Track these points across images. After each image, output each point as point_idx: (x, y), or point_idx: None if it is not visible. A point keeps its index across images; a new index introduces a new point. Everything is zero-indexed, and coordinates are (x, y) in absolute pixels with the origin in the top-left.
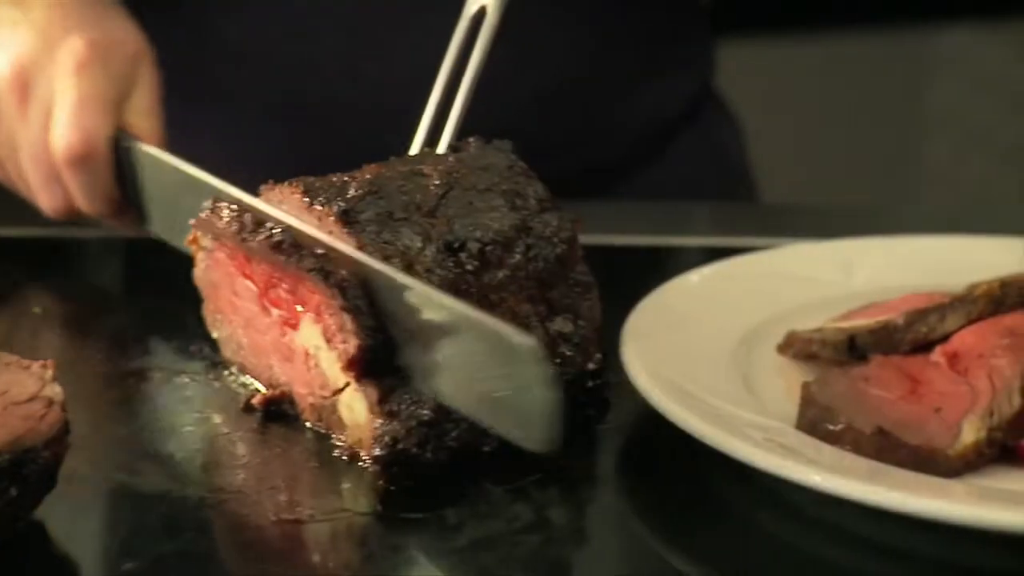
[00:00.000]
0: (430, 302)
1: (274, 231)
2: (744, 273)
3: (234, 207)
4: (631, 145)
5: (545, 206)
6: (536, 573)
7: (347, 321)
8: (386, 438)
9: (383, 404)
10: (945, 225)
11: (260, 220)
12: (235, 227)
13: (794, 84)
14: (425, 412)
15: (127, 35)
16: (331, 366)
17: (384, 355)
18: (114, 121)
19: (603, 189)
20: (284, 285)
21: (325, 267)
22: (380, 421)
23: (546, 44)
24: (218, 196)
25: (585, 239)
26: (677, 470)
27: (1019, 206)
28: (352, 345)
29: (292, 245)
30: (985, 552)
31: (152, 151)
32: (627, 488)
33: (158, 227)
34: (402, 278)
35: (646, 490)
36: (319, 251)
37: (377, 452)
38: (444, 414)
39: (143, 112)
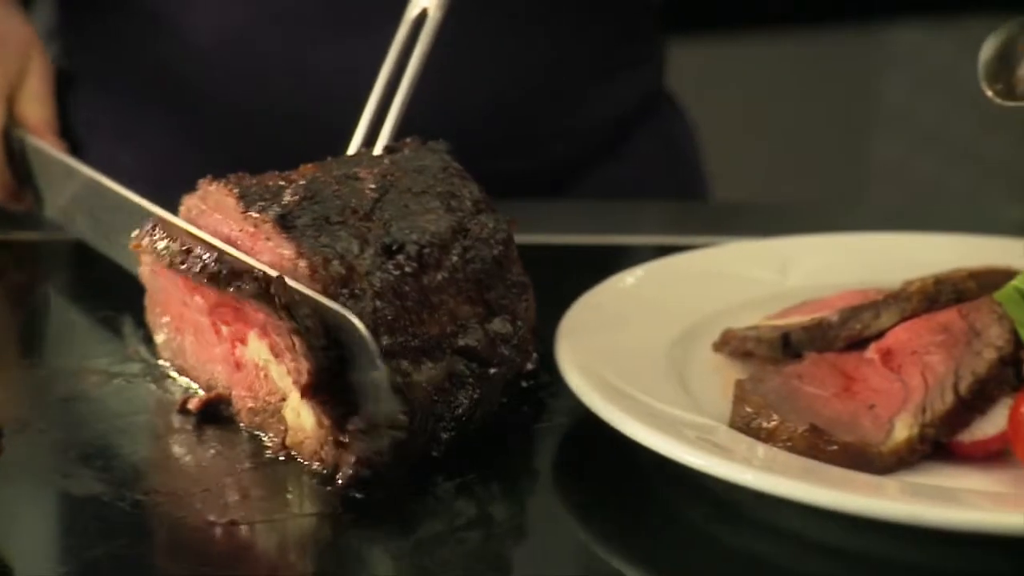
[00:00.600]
0: None
1: (207, 260)
2: (681, 272)
3: (164, 232)
4: (585, 145)
5: (480, 207)
6: (476, 570)
7: (297, 343)
8: (355, 459)
9: (342, 427)
10: (892, 222)
11: (188, 248)
12: (167, 259)
13: (747, 82)
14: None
15: (14, 28)
16: (282, 377)
17: (338, 370)
18: (4, 112)
19: (558, 189)
20: (229, 305)
21: (268, 297)
22: (346, 442)
23: (498, 47)
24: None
25: (535, 239)
26: (614, 469)
27: (965, 203)
28: (304, 368)
29: (230, 272)
30: (918, 549)
31: (37, 143)
32: (565, 487)
33: (51, 211)
34: None
35: (583, 489)
36: (257, 272)
37: (350, 472)
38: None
39: (34, 99)
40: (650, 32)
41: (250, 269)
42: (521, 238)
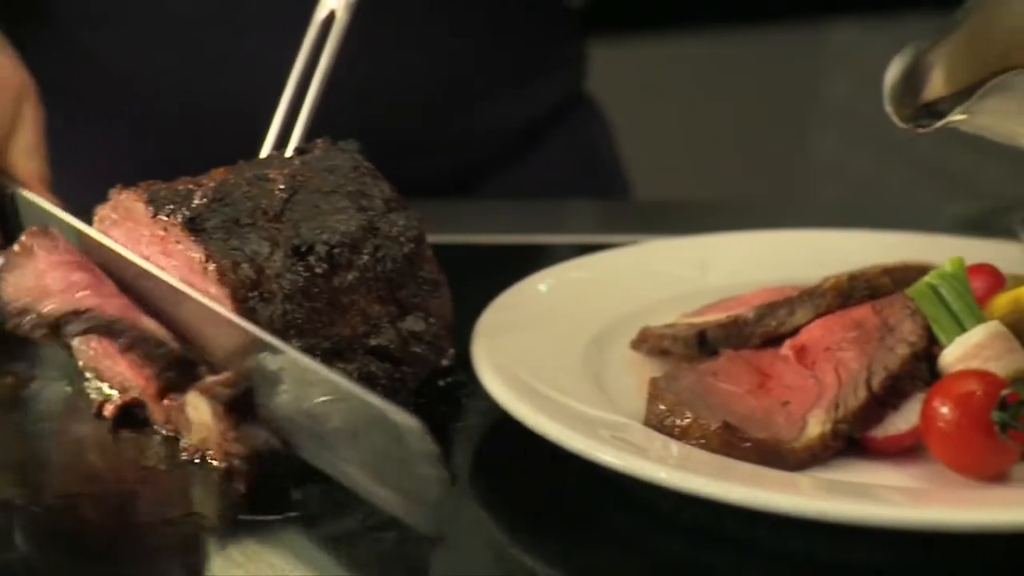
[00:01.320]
0: (301, 371)
1: (29, 321)
2: (600, 270)
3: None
4: (498, 146)
5: (392, 206)
6: (392, 570)
7: (133, 356)
8: (246, 451)
9: (231, 414)
10: (822, 219)
11: (24, 309)
12: (27, 329)
13: (685, 82)
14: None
15: (9, 72)
16: None
17: (190, 362)
18: None
19: (472, 189)
20: None
21: (90, 328)
22: (232, 432)
23: (413, 47)
24: None
25: (455, 238)
26: (530, 468)
27: (901, 200)
28: (151, 374)
29: (52, 323)
30: (831, 544)
31: (36, 200)
32: (481, 486)
33: None
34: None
35: (499, 488)
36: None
37: (236, 463)
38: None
39: (27, 152)
40: (569, 36)
41: (75, 310)
42: (441, 237)
